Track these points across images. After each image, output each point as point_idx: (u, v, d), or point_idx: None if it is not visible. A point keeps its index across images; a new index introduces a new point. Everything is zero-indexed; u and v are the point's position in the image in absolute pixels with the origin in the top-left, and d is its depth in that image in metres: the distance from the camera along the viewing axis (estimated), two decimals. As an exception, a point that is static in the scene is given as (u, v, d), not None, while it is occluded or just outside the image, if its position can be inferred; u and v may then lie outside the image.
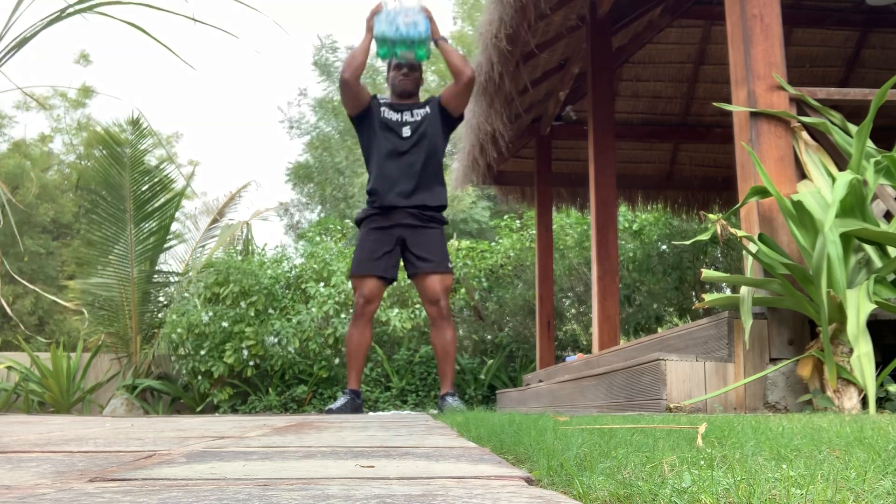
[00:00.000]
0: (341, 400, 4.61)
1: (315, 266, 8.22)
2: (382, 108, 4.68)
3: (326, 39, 16.47)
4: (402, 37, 4.58)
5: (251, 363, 7.65)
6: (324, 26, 42.04)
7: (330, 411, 4.55)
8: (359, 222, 4.78)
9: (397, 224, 4.59)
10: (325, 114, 16.04)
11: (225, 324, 7.59)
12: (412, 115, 4.67)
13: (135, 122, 8.69)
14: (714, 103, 3.35)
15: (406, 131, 4.62)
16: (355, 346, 4.63)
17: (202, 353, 7.60)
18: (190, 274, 8.85)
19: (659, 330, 8.32)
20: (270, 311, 7.90)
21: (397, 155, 4.60)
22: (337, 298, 7.79)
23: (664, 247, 8.77)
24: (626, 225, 8.83)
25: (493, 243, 9.37)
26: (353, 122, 4.82)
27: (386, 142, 4.62)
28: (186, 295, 8.45)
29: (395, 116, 4.66)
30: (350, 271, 4.74)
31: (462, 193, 12.07)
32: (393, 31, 4.57)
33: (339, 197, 14.96)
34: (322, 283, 8.04)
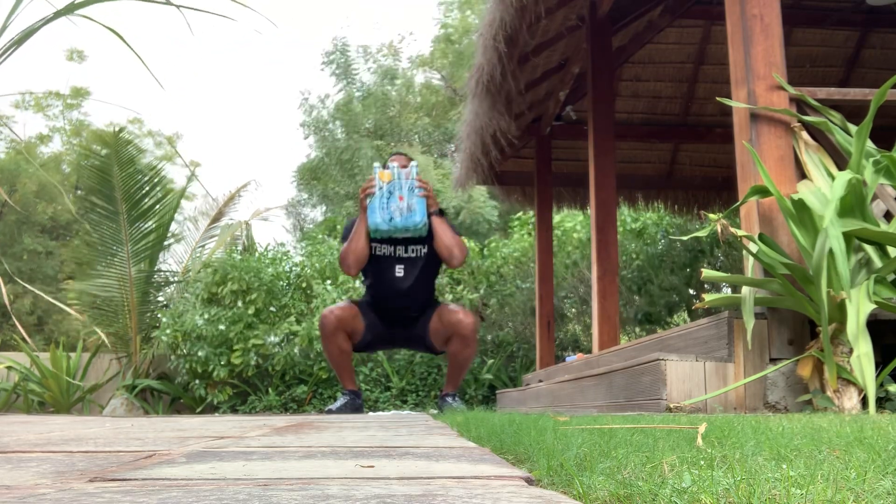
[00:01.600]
0: (341, 400, 4.61)
1: (317, 265, 8.21)
2: (374, 246, 4.52)
3: (339, 42, 16.40)
4: (397, 228, 4.35)
5: (252, 363, 7.65)
6: (326, 24, 42.07)
7: (330, 412, 4.56)
8: (358, 304, 4.73)
9: (397, 323, 4.61)
10: (339, 115, 15.99)
11: (222, 327, 7.58)
12: (406, 251, 4.53)
13: (119, 129, 8.75)
14: (718, 98, 3.34)
15: (399, 271, 4.50)
16: (337, 356, 4.56)
17: (199, 354, 7.59)
18: (189, 274, 8.86)
19: (662, 327, 8.33)
20: (272, 308, 7.89)
21: (392, 283, 4.52)
22: (346, 297, 7.79)
23: (662, 242, 8.80)
24: (631, 226, 8.85)
25: (503, 243, 9.40)
26: None
27: (380, 272, 4.53)
28: (186, 295, 8.45)
29: (387, 251, 4.53)
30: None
31: (476, 194, 12.08)
32: (387, 224, 4.32)
33: (341, 194, 14.86)
34: (329, 281, 8.02)
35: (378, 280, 4.55)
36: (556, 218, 9.19)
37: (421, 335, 4.64)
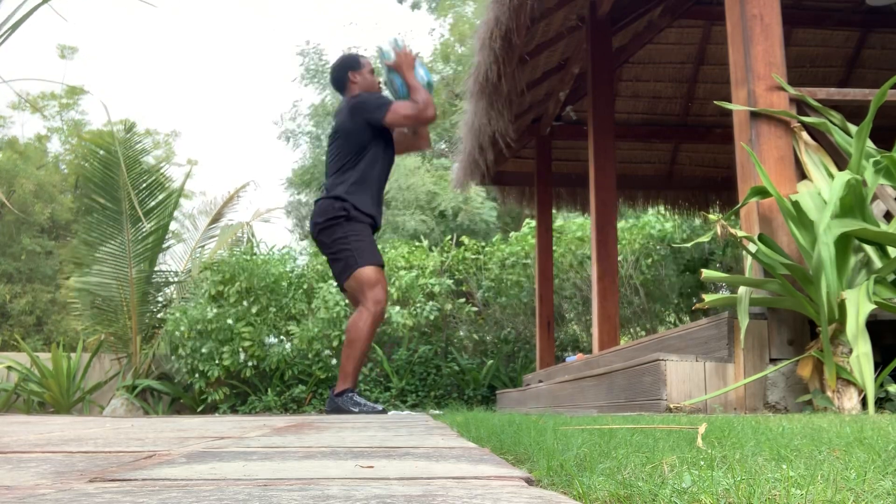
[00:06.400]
0: (367, 403, 4.26)
1: (319, 266, 8.21)
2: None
3: (308, 46, 16.39)
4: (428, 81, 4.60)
5: (250, 363, 7.65)
6: (331, 23, 42.03)
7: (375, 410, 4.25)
8: (352, 217, 4.33)
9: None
10: (321, 119, 15.94)
11: (230, 321, 7.60)
12: None
13: (129, 125, 8.73)
14: (715, 102, 3.35)
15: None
16: (369, 345, 4.28)
17: (203, 351, 7.60)
18: (190, 274, 8.86)
19: (665, 325, 8.34)
20: (272, 308, 7.89)
21: (383, 171, 4.46)
22: (347, 301, 7.76)
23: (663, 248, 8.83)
24: (652, 233, 8.89)
25: (507, 240, 9.40)
26: (374, 125, 4.39)
27: (381, 155, 4.41)
28: (193, 294, 8.45)
29: None
30: (367, 260, 4.20)
31: (473, 194, 12.08)
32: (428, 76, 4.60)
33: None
34: (333, 282, 8.02)
35: (379, 159, 4.42)
36: (559, 221, 9.20)
37: None
